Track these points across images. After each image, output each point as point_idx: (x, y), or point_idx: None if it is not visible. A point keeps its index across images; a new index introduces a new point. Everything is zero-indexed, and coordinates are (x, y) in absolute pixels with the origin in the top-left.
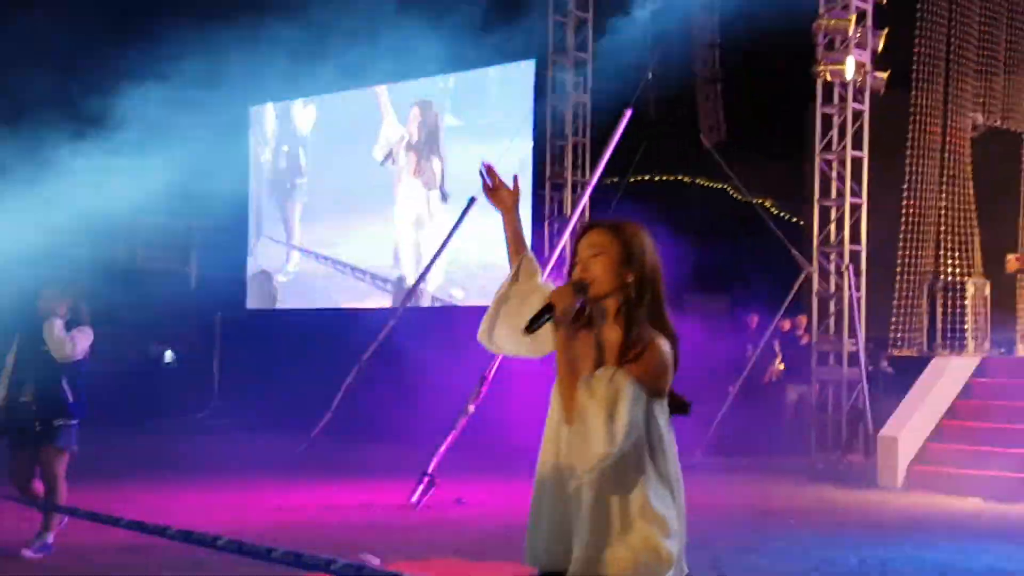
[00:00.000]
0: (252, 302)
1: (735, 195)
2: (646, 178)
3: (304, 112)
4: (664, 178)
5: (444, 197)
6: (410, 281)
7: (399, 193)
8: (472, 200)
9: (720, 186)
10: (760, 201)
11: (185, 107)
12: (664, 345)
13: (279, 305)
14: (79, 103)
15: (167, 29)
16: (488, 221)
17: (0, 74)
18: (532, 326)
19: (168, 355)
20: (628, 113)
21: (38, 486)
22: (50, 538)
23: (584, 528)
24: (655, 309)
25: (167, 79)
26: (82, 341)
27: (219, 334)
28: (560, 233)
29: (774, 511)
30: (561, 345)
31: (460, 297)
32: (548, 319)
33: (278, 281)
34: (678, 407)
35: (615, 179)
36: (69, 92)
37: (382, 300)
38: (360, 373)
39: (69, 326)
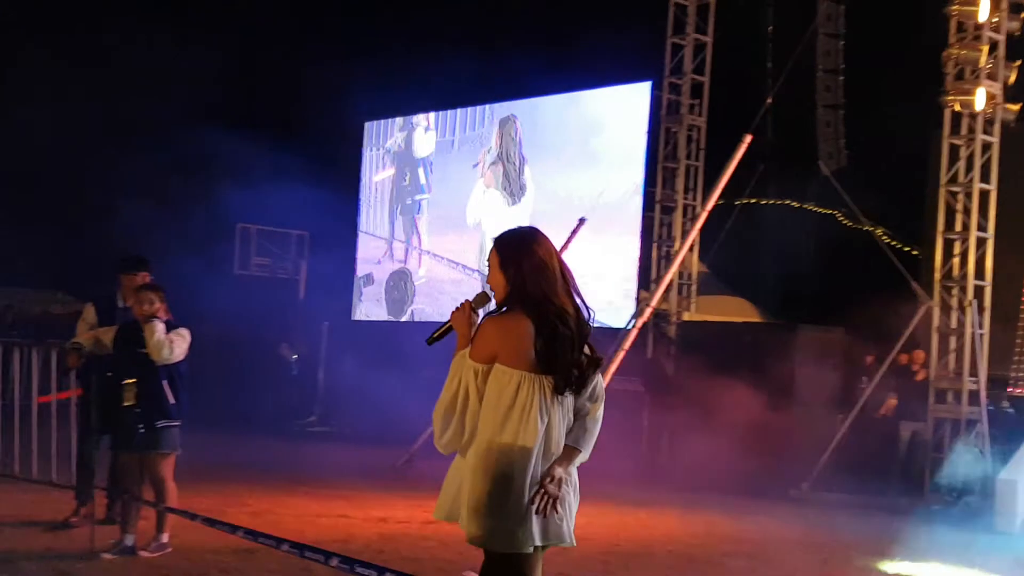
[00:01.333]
0: (370, 308)
1: (846, 223)
2: (753, 201)
3: (423, 129)
4: (772, 202)
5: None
6: None
7: (472, 200)
8: (582, 220)
9: (831, 212)
10: (872, 229)
11: (301, 120)
12: (489, 324)
13: (414, 307)
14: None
15: (289, 43)
16: (597, 236)
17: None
18: (433, 339)
19: (290, 355)
20: (747, 139)
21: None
22: (165, 538)
23: None
24: (532, 296)
25: (283, 92)
26: (180, 344)
27: (325, 343)
28: (670, 257)
29: (885, 551)
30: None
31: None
32: (447, 333)
33: (412, 284)
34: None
35: (721, 201)
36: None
37: None
38: None
39: (168, 328)
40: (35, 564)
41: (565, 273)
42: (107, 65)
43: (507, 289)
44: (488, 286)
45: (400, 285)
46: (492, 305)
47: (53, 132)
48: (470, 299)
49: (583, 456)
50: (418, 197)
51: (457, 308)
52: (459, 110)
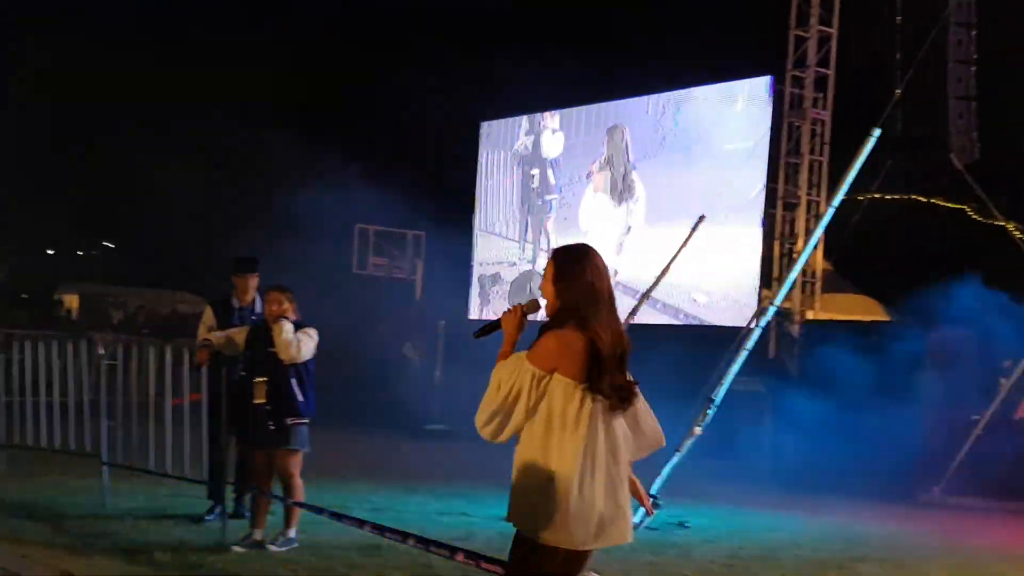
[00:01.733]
0: (498, 307)
1: (977, 217)
2: (878, 196)
3: (551, 131)
4: (899, 197)
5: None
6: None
7: (583, 205)
8: (701, 218)
9: (960, 207)
10: (1005, 224)
11: (417, 122)
12: (551, 338)
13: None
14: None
15: (402, 46)
16: (717, 234)
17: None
18: (480, 334)
19: (415, 354)
20: (876, 133)
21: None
22: (292, 533)
23: None
24: (580, 311)
25: (401, 94)
26: (308, 343)
27: (442, 342)
28: (792, 254)
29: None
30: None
31: (703, 302)
32: (494, 330)
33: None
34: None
35: (845, 197)
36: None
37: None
38: None
39: (296, 328)
40: (168, 555)
41: (611, 295)
42: (219, 67)
43: (556, 301)
44: (539, 292)
45: (525, 286)
46: (542, 312)
47: (175, 144)
48: (522, 303)
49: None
50: (548, 197)
51: (508, 310)
52: (582, 112)
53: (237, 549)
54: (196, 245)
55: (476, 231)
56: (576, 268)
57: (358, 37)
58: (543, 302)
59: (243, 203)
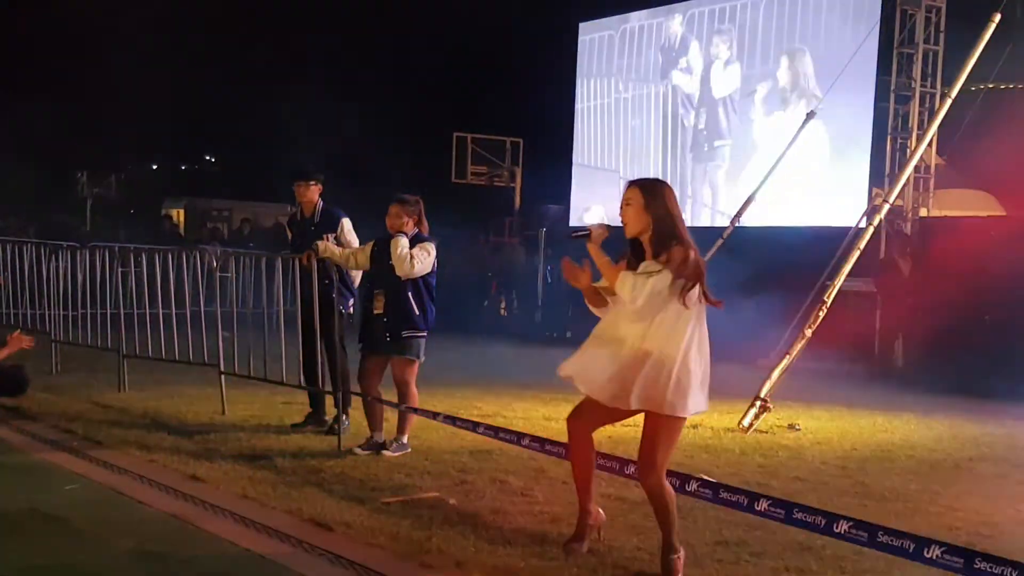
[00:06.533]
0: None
1: None
2: (993, 86)
3: (718, 60)
4: (1018, 87)
5: None
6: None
7: None
8: (810, 114)
9: None
10: None
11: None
12: (681, 251)
13: None
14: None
15: None
16: (825, 129)
17: None
18: (574, 235)
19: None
20: (996, 19)
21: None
22: (405, 439)
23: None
24: (672, 232)
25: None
26: (423, 258)
27: (543, 249)
28: (905, 150)
29: None
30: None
31: (812, 201)
32: (584, 236)
33: None
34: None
35: (977, 87)
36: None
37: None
38: None
39: (413, 243)
40: (289, 461)
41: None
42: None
43: (651, 227)
44: (602, 220)
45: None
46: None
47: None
48: (594, 227)
49: None
50: (718, 144)
51: (600, 225)
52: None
53: (358, 451)
54: (285, 157)
55: (576, 139)
56: (662, 198)
57: None
58: (609, 227)
59: (341, 114)
